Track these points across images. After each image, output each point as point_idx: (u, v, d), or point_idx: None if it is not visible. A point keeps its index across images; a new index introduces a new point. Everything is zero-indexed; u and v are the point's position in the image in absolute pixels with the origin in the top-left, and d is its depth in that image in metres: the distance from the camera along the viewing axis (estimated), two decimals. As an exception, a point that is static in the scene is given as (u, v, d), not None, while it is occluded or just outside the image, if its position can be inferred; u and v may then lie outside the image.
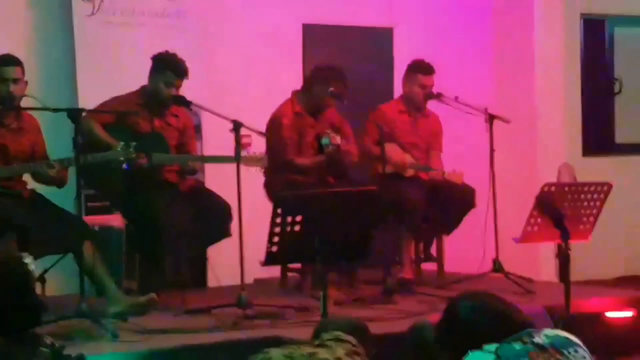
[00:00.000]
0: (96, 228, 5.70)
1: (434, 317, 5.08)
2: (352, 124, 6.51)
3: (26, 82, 5.26)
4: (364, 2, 7.96)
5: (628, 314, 5.83)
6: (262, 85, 6.94)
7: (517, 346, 2.64)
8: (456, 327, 2.84)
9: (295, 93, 6.32)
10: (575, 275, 4.95)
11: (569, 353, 2.67)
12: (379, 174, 6.22)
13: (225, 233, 5.62)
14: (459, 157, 6.75)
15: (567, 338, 2.74)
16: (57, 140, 5.52)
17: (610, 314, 5.78)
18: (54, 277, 5.48)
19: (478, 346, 2.73)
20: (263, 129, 5.94)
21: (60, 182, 5.34)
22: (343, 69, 6.36)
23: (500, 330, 2.74)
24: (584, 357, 2.69)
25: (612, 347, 5.48)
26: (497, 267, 6.33)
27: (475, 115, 6.51)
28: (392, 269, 6.27)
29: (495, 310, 2.84)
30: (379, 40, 8.09)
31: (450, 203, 6.47)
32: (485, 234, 6.44)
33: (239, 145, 5.37)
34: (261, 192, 5.96)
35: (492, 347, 2.65)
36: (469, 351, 2.73)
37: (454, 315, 2.86)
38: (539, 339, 2.65)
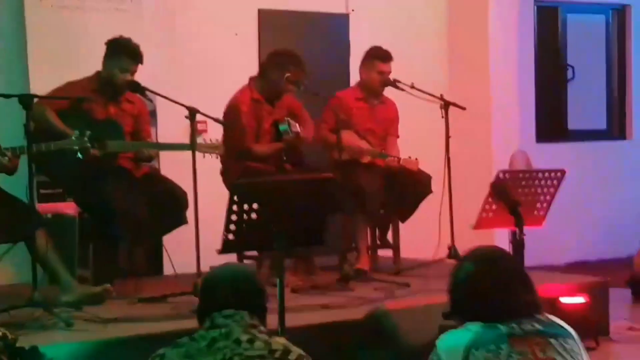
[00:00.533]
0: (49, 216, 5.63)
1: (390, 304, 5.14)
2: (309, 110, 6.47)
3: None
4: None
5: (580, 299, 5.90)
6: (218, 72, 6.86)
7: (503, 329, 2.64)
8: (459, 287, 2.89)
9: (252, 79, 6.26)
10: (528, 260, 4.98)
11: (558, 342, 2.68)
12: (335, 160, 6.21)
13: (181, 220, 5.57)
14: (415, 143, 6.75)
15: (562, 327, 2.76)
16: (9, 127, 5.42)
17: (564, 300, 5.84)
18: (5, 266, 5.39)
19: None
20: (220, 115, 5.91)
21: (11, 170, 5.22)
22: (299, 54, 6.32)
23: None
24: (573, 350, 2.70)
25: (566, 332, 5.58)
26: (453, 253, 6.33)
27: (431, 102, 6.50)
28: (348, 256, 6.28)
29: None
30: (335, 26, 8.09)
31: (406, 190, 6.46)
32: (440, 220, 6.47)
33: (194, 132, 5.32)
34: (218, 180, 5.90)
35: (476, 326, 2.66)
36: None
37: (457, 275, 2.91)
38: (529, 325, 2.68)
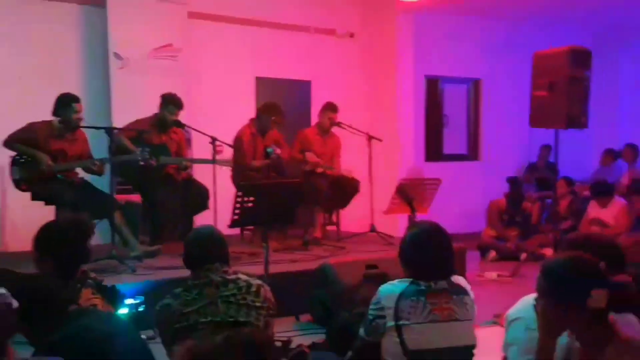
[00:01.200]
0: (122, 202, 5.56)
1: (333, 260, 5.12)
2: (286, 140, 6.44)
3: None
4: (290, 61, 7.84)
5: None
6: (230, 115, 6.80)
7: (423, 286, 2.59)
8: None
9: (251, 120, 6.23)
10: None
11: (458, 297, 2.64)
12: (302, 171, 6.24)
13: (205, 206, 5.51)
14: (350, 161, 6.73)
15: (461, 287, 2.70)
16: (100, 147, 5.37)
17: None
18: (96, 233, 5.30)
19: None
20: (230, 142, 5.89)
21: (100, 173, 5.21)
22: (280, 106, 6.33)
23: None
24: (467, 303, 2.67)
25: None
26: (373, 229, 6.38)
27: (360, 135, 6.54)
28: (308, 229, 6.28)
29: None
30: (302, 88, 8.03)
31: (344, 189, 6.46)
32: (366, 208, 6.51)
33: (215, 152, 5.34)
34: (229, 182, 5.86)
35: (406, 282, 2.59)
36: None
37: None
38: (441, 285, 2.60)
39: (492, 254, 7.41)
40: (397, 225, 6.46)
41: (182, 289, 2.58)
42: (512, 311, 2.51)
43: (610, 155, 8.93)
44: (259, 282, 2.62)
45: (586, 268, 1.92)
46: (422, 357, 2.48)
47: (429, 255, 2.61)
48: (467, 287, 2.73)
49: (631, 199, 7.46)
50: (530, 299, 2.27)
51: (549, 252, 6.57)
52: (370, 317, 2.59)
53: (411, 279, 2.58)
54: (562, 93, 5.45)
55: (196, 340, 1.34)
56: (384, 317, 2.52)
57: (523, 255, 6.88)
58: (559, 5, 8.29)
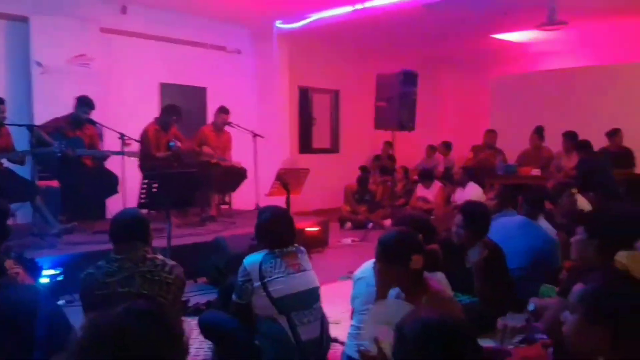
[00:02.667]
0: (43, 187, 5.16)
1: (225, 233, 5.07)
2: (186, 135, 6.22)
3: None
4: (189, 70, 7.56)
5: (315, 228, 6.04)
6: (137, 114, 6.45)
7: (277, 252, 2.61)
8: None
9: (155, 118, 5.94)
10: (293, 209, 5.07)
11: (300, 253, 2.73)
12: (199, 161, 6.05)
13: (115, 191, 5.24)
14: (240, 154, 6.62)
15: (300, 247, 2.76)
16: (21, 141, 4.93)
17: (308, 229, 5.93)
18: (19, 214, 4.87)
19: None
20: (138, 138, 5.62)
21: (22, 163, 4.80)
22: (180, 107, 6.09)
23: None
24: (304, 257, 2.73)
25: (307, 245, 5.62)
26: (258, 207, 6.30)
27: (247, 133, 6.48)
28: (205, 209, 6.14)
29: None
30: (199, 94, 7.79)
31: (235, 176, 6.35)
32: (252, 190, 6.49)
33: (123, 145, 5.11)
34: (136, 171, 5.58)
35: (263, 252, 2.61)
36: None
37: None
38: (289, 248, 2.67)
39: (348, 224, 7.64)
40: (277, 204, 6.44)
41: (105, 261, 2.42)
42: (357, 273, 2.62)
43: (431, 149, 9.48)
44: (173, 262, 2.50)
45: (408, 239, 2.05)
46: (285, 302, 2.53)
47: (279, 230, 2.69)
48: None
49: (445, 183, 7.99)
50: (370, 262, 2.38)
51: (388, 222, 6.82)
52: (240, 282, 2.59)
53: (267, 250, 2.63)
54: (396, 105, 5.72)
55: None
56: (250, 280, 2.55)
57: (370, 225, 7.10)
58: (392, 40, 8.71)
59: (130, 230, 2.48)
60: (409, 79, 5.92)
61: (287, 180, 5.45)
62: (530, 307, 2.87)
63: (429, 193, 7.65)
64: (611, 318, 1.27)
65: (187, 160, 5.94)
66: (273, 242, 2.66)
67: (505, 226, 3.60)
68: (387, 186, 8.19)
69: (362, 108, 9.05)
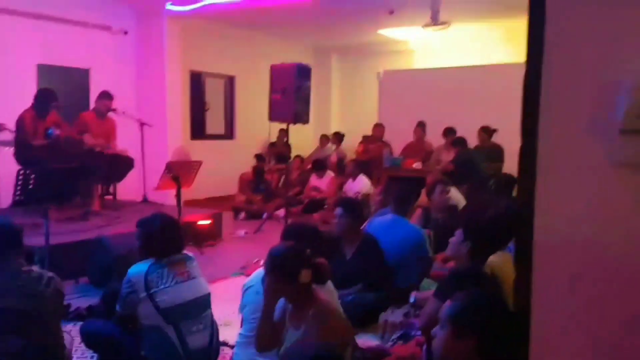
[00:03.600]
0: None
1: (109, 232, 4.80)
2: (67, 121, 5.81)
3: None
4: (70, 51, 7.03)
5: (207, 221, 5.92)
6: (12, 99, 5.91)
7: (164, 261, 2.56)
8: None
9: (32, 104, 5.48)
10: (184, 197, 4.91)
11: (189, 261, 2.67)
12: (81, 150, 5.66)
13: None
14: (127, 142, 6.31)
15: (188, 254, 2.72)
16: None
17: (199, 222, 5.83)
18: None
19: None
20: (13, 125, 5.22)
21: None
22: (56, 92, 5.61)
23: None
24: (193, 264, 2.68)
25: (199, 239, 5.61)
26: (145, 199, 6.18)
27: (133, 120, 6.21)
28: (88, 201, 5.77)
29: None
30: (80, 76, 7.27)
31: (120, 165, 6.07)
32: (139, 181, 6.25)
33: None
34: (12, 161, 5.13)
35: (149, 261, 2.55)
36: None
37: None
38: (176, 257, 2.62)
39: (243, 214, 7.60)
40: (166, 196, 6.28)
41: None
42: (247, 281, 2.67)
43: (325, 138, 9.67)
44: (50, 274, 2.36)
45: (296, 255, 2.13)
46: (173, 312, 2.50)
47: (167, 239, 2.62)
48: (191, 254, 2.75)
49: (337, 173, 8.25)
50: (260, 272, 2.44)
51: (282, 213, 6.80)
52: (124, 294, 2.53)
53: (154, 259, 2.57)
54: (291, 98, 5.78)
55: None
56: (136, 292, 2.49)
57: (265, 215, 7.13)
58: (284, 29, 8.74)
59: (3, 240, 2.31)
60: (303, 72, 5.99)
61: (177, 172, 5.30)
62: (412, 299, 3.13)
63: (322, 183, 7.85)
64: (474, 334, 1.44)
65: (67, 150, 5.56)
66: (161, 252, 2.60)
67: (382, 224, 3.95)
68: (282, 174, 8.24)
69: (257, 96, 9.03)
